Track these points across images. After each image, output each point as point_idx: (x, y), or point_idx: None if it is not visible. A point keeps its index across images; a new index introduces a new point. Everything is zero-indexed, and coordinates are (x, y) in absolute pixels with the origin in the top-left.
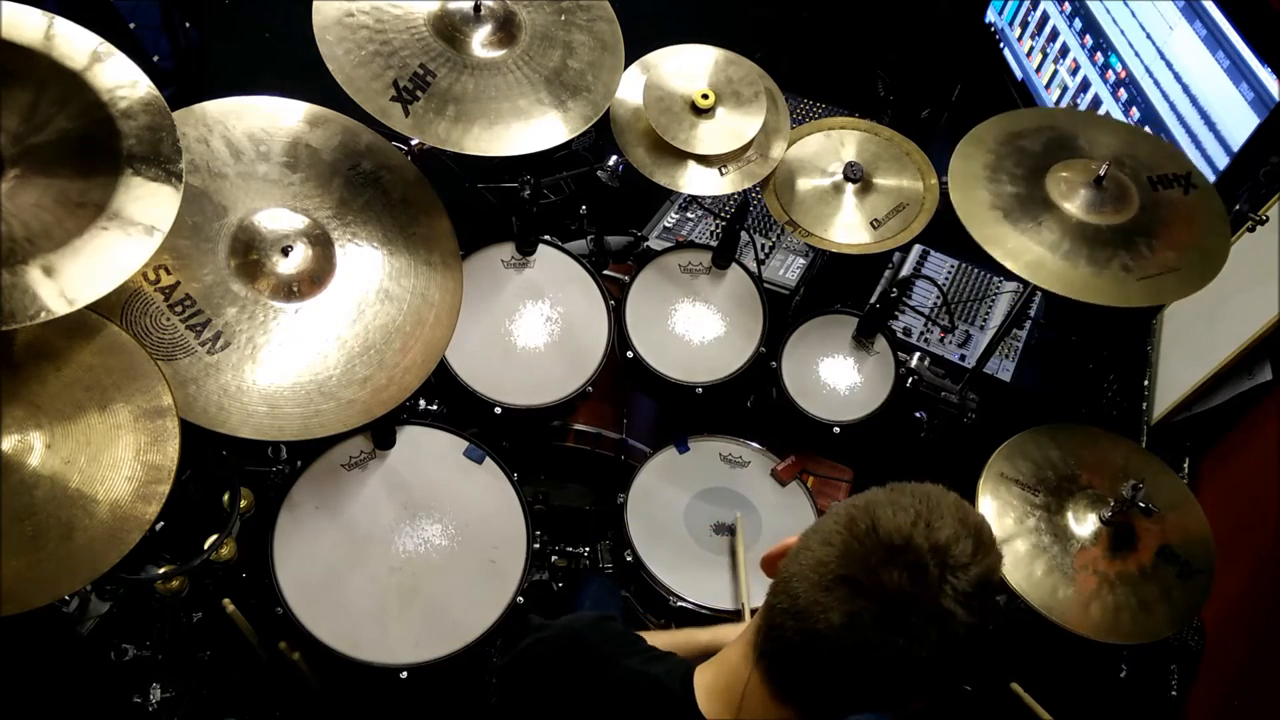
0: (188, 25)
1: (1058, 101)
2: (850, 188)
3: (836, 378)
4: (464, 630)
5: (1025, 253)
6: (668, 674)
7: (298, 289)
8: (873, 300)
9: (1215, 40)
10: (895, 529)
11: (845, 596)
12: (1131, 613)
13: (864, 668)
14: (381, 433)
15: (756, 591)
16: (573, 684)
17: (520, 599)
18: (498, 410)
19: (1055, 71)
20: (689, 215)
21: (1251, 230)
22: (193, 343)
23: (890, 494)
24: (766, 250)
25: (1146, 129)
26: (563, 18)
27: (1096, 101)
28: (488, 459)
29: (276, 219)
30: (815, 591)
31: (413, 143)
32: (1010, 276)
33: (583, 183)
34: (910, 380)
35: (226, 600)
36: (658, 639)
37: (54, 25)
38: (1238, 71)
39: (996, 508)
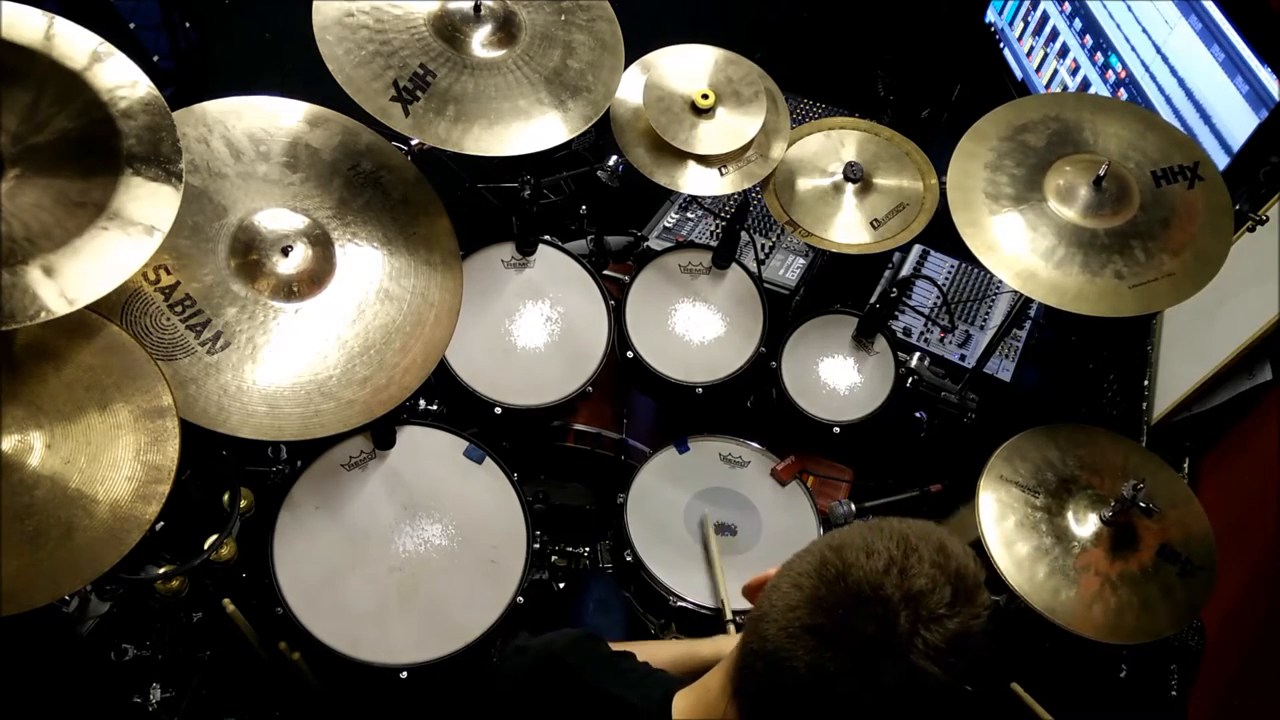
0: (188, 25)
1: None
2: (850, 188)
3: (836, 378)
4: (464, 630)
5: (1018, 261)
6: (646, 699)
7: (298, 289)
8: (873, 300)
9: (1211, 34)
10: (865, 576)
11: (811, 646)
12: (1134, 612)
13: (833, 717)
14: (381, 433)
15: (734, 591)
16: (550, 709)
17: (520, 599)
18: (498, 410)
19: (1055, 71)
20: (689, 215)
21: (1251, 230)
22: (193, 343)
23: (867, 534)
24: (766, 250)
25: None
26: (563, 18)
27: None
28: (488, 459)
29: (276, 219)
30: (782, 637)
31: (413, 143)
32: None
33: (583, 183)
34: (910, 380)
35: (226, 600)
36: (658, 651)
37: (54, 25)
38: (1233, 65)
39: (997, 510)
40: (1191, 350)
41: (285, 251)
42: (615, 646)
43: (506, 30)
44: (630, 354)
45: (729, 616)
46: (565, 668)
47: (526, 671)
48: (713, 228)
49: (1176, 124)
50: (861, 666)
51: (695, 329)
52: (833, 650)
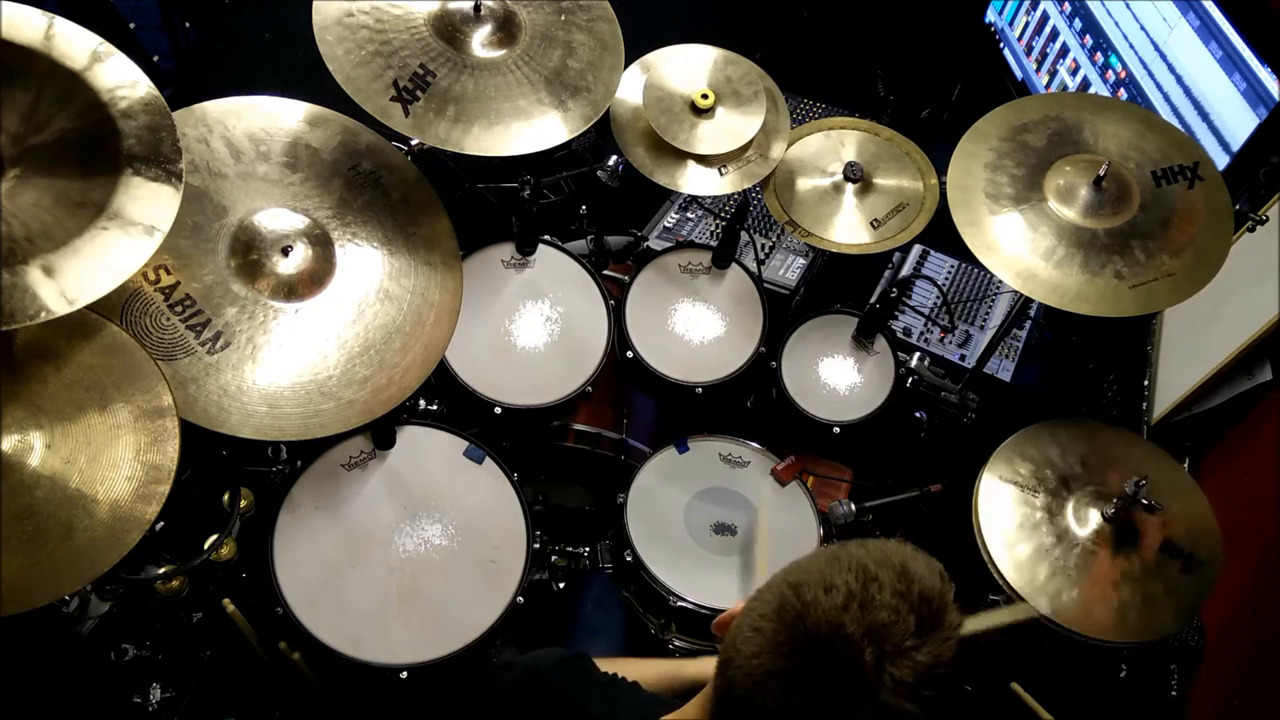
0: (188, 25)
1: None
2: (850, 188)
3: (836, 378)
4: (464, 630)
5: (1018, 261)
6: None
7: (298, 289)
8: (873, 300)
9: (1209, 33)
10: (825, 615)
11: (777, 692)
12: (1137, 611)
13: None
14: (381, 433)
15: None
16: None
17: (520, 599)
18: (498, 410)
19: (1055, 71)
20: (689, 215)
21: (1251, 230)
22: (193, 343)
23: (826, 567)
24: (766, 250)
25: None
26: (563, 18)
27: None
28: (488, 459)
29: (276, 219)
30: (749, 684)
31: (413, 143)
32: None
33: (583, 183)
34: (910, 380)
35: (226, 600)
36: (645, 670)
37: (54, 25)
38: (1231, 64)
39: (998, 511)
40: (1191, 350)
41: (285, 251)
42: (601, 663)
43: (506, 30)
44: (630, 354)
45: None
46: (551, 688)
47: (512, 691)
48: (713, 228)
49: (1176, 124)
50: (830, 711)
51: (695, 329)
52: (799, 696)
